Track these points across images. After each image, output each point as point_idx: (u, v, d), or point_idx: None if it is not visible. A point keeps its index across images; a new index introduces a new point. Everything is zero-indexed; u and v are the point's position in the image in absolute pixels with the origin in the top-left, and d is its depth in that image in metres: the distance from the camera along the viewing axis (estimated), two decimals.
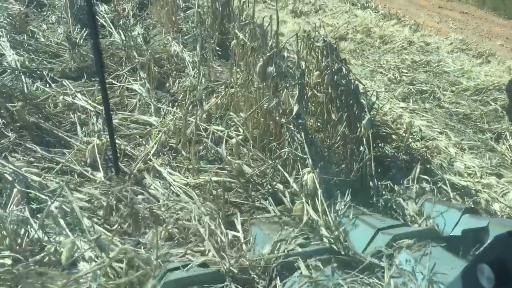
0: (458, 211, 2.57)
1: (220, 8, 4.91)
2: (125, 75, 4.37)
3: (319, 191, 2.63)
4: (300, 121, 3.02)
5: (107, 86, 4.35)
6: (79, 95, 3.90)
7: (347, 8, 7.41)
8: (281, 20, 6.55)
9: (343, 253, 2.20)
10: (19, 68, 4.20)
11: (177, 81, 4.39)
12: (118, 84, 4.27)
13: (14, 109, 3.32)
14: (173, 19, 5.45)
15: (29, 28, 5.14)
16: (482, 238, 2.33)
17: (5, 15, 5.26)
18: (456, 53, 5.93)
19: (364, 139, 3.14)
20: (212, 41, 4.85)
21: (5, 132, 3.24)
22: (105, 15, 5.67)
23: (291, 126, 3.00)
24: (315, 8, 7.25)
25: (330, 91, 3.34)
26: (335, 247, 2.24)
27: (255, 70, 3.16)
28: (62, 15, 5.67)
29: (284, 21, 6.51)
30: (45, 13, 5.83)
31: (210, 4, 5.16)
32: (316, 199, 2.63)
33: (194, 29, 5.57)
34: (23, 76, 4.14)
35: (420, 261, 2.08)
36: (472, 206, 3.00)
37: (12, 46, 4.51)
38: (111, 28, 5.45)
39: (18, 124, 3.31)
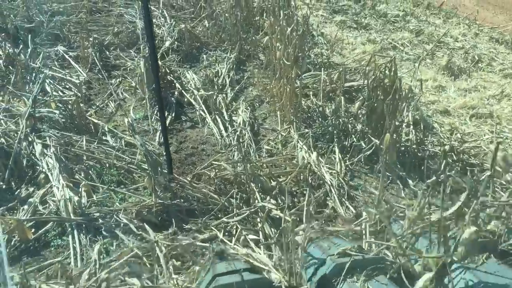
0: None
1: (382, 96, 3.02)
2: (238, 226, 2.61)
3: None
4: None
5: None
6: (176, 278, 2.18)
7: None
8: (437, 85, 4.56)
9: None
10: (72, 217, 2.56)
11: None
12: (229, 244, 2.52)
13: None
14: (293, 99, 3.65)
15: (91, 116, 3.55)
16: None
17: (60, 95, 3.72)
18: None
19: None
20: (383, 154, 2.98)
21: None
22: (195, 91, 3.96)
23: None
24: (472, 58, 5.17)
25: None
26: None
27: None
28: (136, 88, 4.05)
29: (441, 86, 4.51)
30: (113, 80, 4.26)
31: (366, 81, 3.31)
32: None
33: (326, 116, 3.74)
34: (75, 233, 2.51)
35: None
36: None
37: (64, 167, 2.89)
38: (204, 112, 3.75)
39: None
